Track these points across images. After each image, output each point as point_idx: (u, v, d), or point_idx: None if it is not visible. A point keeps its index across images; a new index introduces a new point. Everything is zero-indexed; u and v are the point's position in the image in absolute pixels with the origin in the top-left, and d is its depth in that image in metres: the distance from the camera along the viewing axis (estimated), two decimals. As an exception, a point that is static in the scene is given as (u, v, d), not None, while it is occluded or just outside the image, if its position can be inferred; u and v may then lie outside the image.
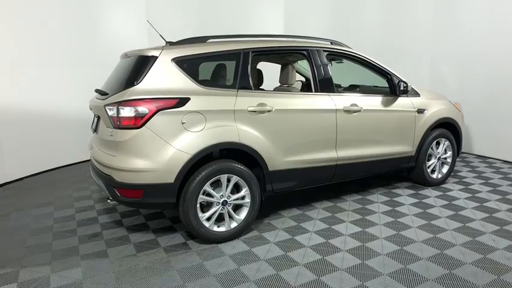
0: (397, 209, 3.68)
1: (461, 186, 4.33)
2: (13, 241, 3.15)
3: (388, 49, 6.57)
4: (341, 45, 3.79)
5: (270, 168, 3.18)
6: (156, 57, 2.85)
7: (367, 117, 3.68)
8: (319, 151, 3.44)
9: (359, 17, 7.01)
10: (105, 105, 2.83)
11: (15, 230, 3.39)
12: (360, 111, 3.61)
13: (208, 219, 2.97)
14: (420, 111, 4.06)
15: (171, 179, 2.76)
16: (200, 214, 2.92)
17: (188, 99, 2.83)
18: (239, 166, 3.01)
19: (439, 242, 2.95)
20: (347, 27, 7.06)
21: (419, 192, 4.17)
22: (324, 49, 3.59)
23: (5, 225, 3.50)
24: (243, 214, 3.11)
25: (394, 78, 3.90)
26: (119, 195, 2.82)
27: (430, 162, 4.28)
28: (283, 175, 3.28)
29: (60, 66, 5.32)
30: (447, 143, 4.35)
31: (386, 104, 3.82)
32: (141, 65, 2.85)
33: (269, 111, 3.13)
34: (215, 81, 3.14)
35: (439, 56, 6.06)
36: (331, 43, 3.75)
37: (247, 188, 3.08)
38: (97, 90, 3.17)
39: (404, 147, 4.01)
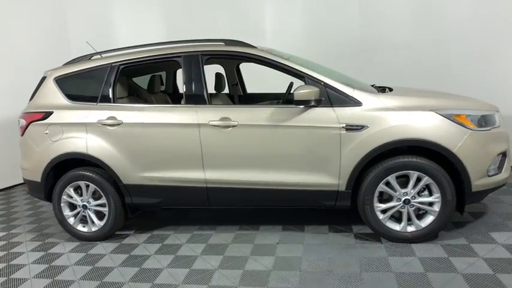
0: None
1: (441, 255, 2.61)
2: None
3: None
4: (239, 46, 3.11)
5: (124, 182, 3.18)
6: (45, 77, 3.46)
7: (246, 134, 2.91)
8: (182, 170, 3.07)
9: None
10: None
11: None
12: (235, 126, 2.92)
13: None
14: (352, 127, 2.75)
15: (38, 178, 3.35)
16: (66, 212, 3.37)
17: (51, 113, 3.29)
18: (94, 175, 3.22)
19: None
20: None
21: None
22: (204, 53, 3.09)
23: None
24: (104, 220, 3.31)
25: (310, 80, 2.84)
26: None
27: (385, 206, 2.81)
28: (141, 190, 3.19)
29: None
30: (426, 179, 2.70)
31: (283, 117, 2.85)
32: (39, 83, 3.53)
33: (119, 124, 3.13)
34: (84, 95, 3.37)
35: None
36: (226, 44, 3.14)
37: (104, 196, 3.25)
38: None
39: (321, 178, 2.85)
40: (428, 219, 2.77)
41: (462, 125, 2.66)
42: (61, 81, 3.39)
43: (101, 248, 3.23)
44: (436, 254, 2.64)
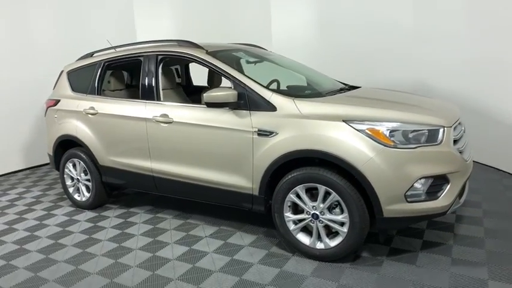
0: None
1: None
2: None
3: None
4: (187, 47, 3.26)
5: (100, 163, 3.74)
6: (62, 71, 4.24)
7: (178, 131, 3.10)
8: (135, 158, 3.45)
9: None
10: None
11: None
12: (171, 123, 3.13)
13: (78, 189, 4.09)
14: (263, 133, 2.67)
15: (51, 152, 4.18)
16: (68, 182, 4.12)
17: (59, 101, 4.04)
18: (83, 155, 3.86)
19: None
20: None
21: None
22: (160, 53, 3.35)
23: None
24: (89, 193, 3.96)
25: (234, 83, 2.86)
26: None
27: (294, 217, 2.66)
28: (111, 171, 3.69)
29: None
30: (334, 195, 2.47)
31: (209, 117, 2.94)
32: (59, 76, 4.33)
33: (95, 114, 3.67)
34: (81, 87, 3.97)
35: None
36: (178, 44, 3.33)
37: (89, 173, 3.88)
38: None
39: (238, 180, 2.86)
40: (338, 240, 2.54)
41: (375, 140, 2.34)
42: (70, 75, 4.11)
43: (84, 215, 3.88)
44: (327, 276, 2.43)
